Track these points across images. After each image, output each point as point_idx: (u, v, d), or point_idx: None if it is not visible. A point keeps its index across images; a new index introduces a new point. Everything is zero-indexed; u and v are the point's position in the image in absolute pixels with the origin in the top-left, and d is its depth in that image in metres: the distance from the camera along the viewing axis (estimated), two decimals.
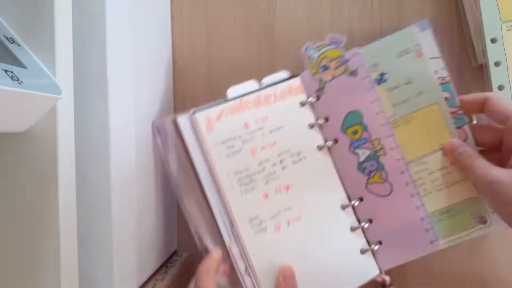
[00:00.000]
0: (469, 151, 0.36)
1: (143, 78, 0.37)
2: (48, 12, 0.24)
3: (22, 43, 0.24)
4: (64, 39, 0.25)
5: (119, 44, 0.31)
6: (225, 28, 0.45)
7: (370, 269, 0.39)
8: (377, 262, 0.39)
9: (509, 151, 0.35)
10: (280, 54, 0.44)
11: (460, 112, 0.37)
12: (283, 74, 0.40)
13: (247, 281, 0.36)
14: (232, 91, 0.38)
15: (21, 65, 0.22)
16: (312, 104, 0.39)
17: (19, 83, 0.21)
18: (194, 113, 0.35)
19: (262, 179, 0.37)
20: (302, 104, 0.39)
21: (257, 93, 0.38)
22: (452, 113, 0.37)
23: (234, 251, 0.36)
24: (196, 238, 0.37)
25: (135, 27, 0.35)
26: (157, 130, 0.39)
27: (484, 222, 0.38)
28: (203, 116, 0.35)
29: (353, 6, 0.44)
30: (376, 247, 0.39)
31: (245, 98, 0.38)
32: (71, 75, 0.26)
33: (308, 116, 0.39)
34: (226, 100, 0.37)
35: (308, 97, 0.39)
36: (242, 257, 0.36)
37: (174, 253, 0.46)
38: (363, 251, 0.39)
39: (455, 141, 0.37)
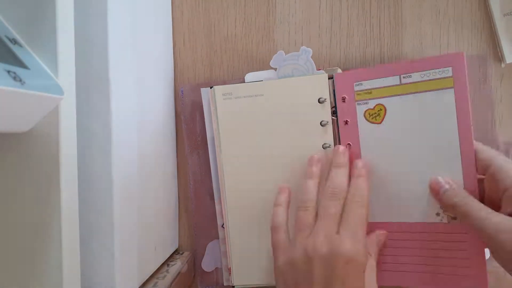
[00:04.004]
0: (457, 191, 0.34)
1: (144, 78, 0.37)
2: (50, 13, 0.24)
3: (25, 44, 0.24)
4: (66, 40, 0.25)
5: (121, 44, 0.32)
6: (225, 28, 0.46)
7: None
8: None
9: (492, 200, 0.34)
10: None
11: None
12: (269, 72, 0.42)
13: (220, 233, 0.43)
14: (249, 76, 0.42)
15: (23, 66, 0.22)
16: (329, 103, 0.40)
17: (22, 84, 0.21)
18: (212, 87, 0.42)
19: (257, 153, 0.41)
20: (321, 100, 0.39)
21: (274, 81, 0.40)
22: None
23: (218, 208, 0.43)
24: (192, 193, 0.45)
25: (136, 28, 0.35)
26: (182, 93, 0.46)
27: None
28: (219, 89, 0.42)
29: (352, 8, 0.44)
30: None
31: (264, 81, 0.41)
32: (73, 76, 0.26)
33: (322, 113, 0.40)
34: (243, 83, 0.42)
35: (334, 96, 0.40)
36: (222, 215, 0.43)
37: (175, 251, 0.46)
38: None
39: (437, 179, 0.35)
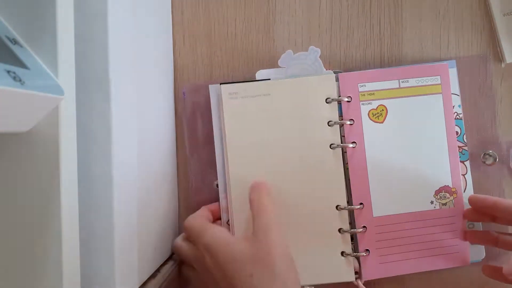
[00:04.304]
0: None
1: (145, 78, 0.37)
2: (50, 13, 0.24)
3: (25, 44, 0.24)
4: (66, 40, 0.25)
5: (121, 44, 0.32)
6: (225, 28, 0.46)
7: (345, 273, 0.40)
8: (361, 270, 0.40)
9: None
10: (280, 54, 0.45)
11: (466, 147, 0.41)
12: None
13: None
14: (260, 74, 0.42)
15: (23, 66, 0.22)
16: (340, 104, 0.40)
17: (21, 84, 0.21)
18: (221, 84, 0.42)
19: (264, 152, 0.40)
20: (329, 101, 0.40)
21: (284, 79, 0.41)
22: (459, 147, 0.41)
23: (223, 203, 0.42)
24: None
25: (136, 28, 0.35)
26: (184, 95, 0.45)
27: None
28: (226, 88, 0.41)
29: (352, 8, 0.44)
30: (364, 254, 0.40)
31: (271, 81, 0.41)
32: (73, 76, 0.26)
33: (330, 113, 0.40)
34: (253, 80, 0.42)
35: (339, 96, 0.41)
36: (227, 211, 0.42)
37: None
38: (344, 254, 0.39)
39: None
